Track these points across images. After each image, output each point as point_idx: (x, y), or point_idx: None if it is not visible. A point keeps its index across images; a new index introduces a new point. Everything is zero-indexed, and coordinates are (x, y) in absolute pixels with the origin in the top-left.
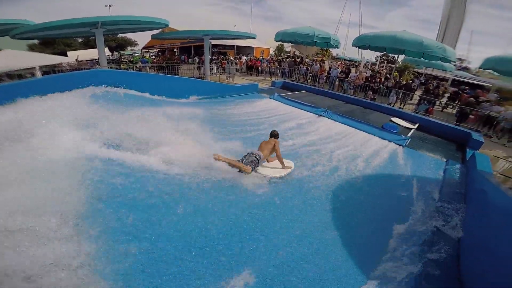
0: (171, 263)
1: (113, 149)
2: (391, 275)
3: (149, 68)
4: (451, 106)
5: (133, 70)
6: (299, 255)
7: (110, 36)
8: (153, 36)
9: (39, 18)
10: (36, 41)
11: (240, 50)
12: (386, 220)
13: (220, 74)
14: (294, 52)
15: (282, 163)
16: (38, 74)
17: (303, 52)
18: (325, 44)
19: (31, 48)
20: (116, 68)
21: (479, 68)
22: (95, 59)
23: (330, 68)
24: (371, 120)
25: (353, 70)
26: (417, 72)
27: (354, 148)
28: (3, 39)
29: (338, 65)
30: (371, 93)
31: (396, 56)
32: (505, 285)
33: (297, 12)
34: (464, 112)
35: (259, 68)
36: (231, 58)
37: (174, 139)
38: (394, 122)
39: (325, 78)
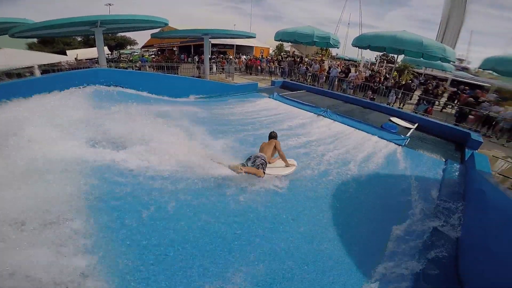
0: (171, 263)
1: (111, 149)
2: (391, 274)
3: (149, 67)
4: (450, 106)
5: (133, 69)
6: (299, 255)
7: (110, 35)
8: (153, 35)
9: (39, 18)
10: (35, 40)
11: (240, 49)
12: (385, 220)
13: (220, 73)
14: (294, 51)
15: (286, 161)
16: (37, 73)
17: (303, 51)
18: (325, 43)
19: (30, 47)
20: (116, 67)
21: (479, 68)
22: (95, 58)
23: (329, 68)
24: (370, 119)
25: (352, 70)
26: (417, 72)
27: (353, 148)
28: (2, 38)
29: (338, 65)
30: (370, 93)
31: (395, 56)
32: (503, 285)
33: (297, 11)
34: (463, 112)
35: (259, 67)
36: (231, 57)
37: (173, 139)
38: (394, 122)
39: (324, 77)
